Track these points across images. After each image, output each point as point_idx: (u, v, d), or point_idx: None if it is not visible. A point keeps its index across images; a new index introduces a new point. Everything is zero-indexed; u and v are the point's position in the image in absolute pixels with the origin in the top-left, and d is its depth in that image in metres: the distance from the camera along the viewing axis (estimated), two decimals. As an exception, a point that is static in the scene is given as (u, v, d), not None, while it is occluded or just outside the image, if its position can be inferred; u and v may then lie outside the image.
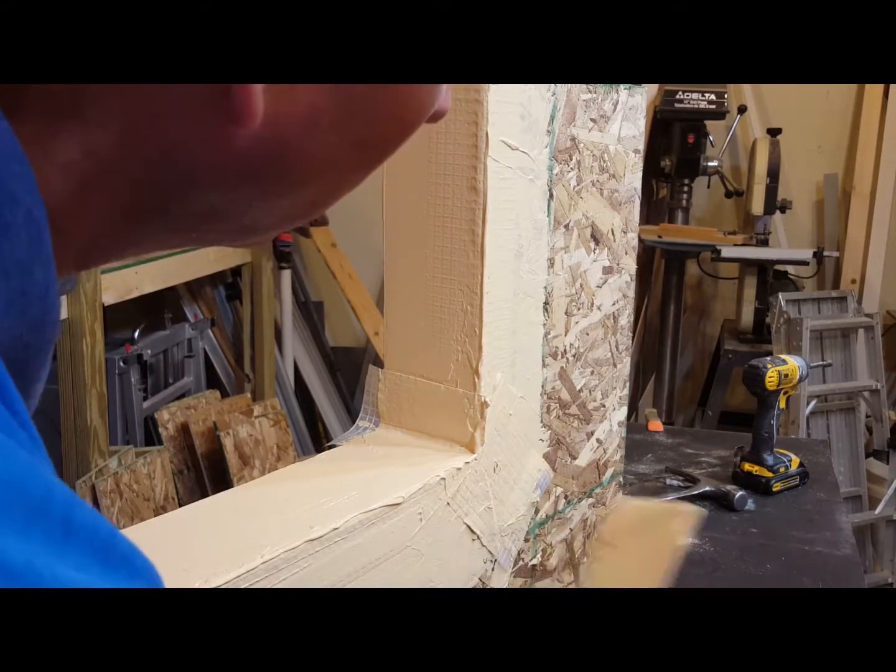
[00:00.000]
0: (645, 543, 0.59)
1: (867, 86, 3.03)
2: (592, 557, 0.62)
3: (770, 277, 2.83)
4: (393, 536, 0.69)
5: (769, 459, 1.42)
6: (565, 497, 0.94)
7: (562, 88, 0.82)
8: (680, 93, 2.81)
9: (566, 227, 0.87)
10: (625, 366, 1.04)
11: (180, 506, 1.11)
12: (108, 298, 2.18)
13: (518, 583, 0.87)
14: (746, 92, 3.14)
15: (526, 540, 0.87)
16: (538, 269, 0.83)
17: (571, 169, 0.86)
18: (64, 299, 2.03)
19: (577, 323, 0.91)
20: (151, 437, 2.57)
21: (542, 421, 0.88)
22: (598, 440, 0.99)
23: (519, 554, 0.86)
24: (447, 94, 0.36)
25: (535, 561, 0.89)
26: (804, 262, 2.84)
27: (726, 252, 2.76)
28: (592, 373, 0.96)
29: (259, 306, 3.07)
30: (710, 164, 2.94)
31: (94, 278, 2.08)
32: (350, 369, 3.47)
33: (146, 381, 2.58)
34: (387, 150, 0.34)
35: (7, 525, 0.21)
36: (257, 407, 2.64)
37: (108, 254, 0.33)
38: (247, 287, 3.13)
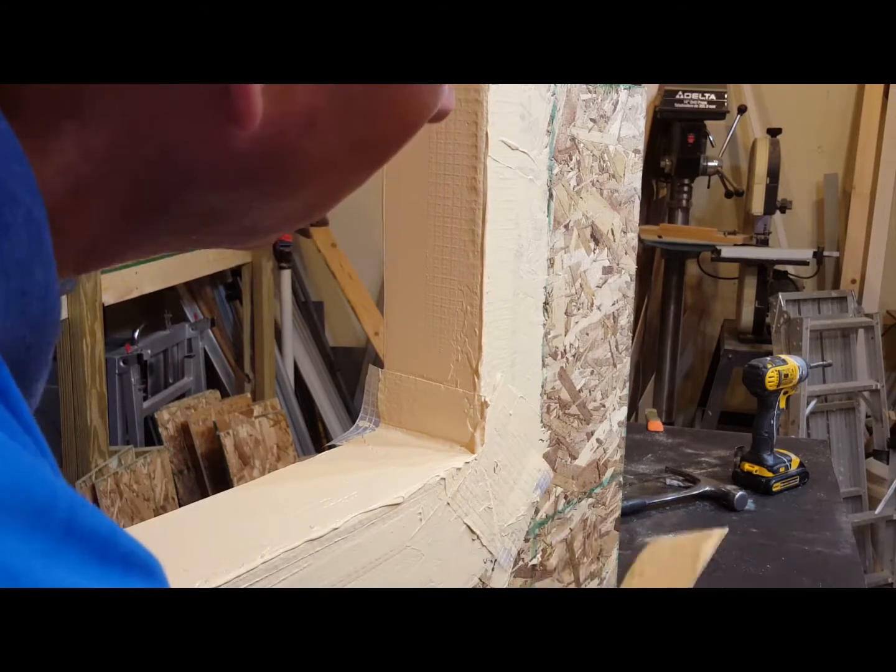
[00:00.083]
0: (675, 572, 0.59)
1: (867, 86, 3.03)
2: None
3: (770, 277, 2.83)
4: (393, 536, 0.69)
5: (769, 459, 1.42)
6: (565, 497, 0.94)
7: (562, 88, 0.82)
8: (680, 93, 2.81)
9: (566, 227, 0.86)
10: (625, 366, 1.04)
11: (180, 506, 1.11)
12: (108, 298, 2.18)
13: (518, 583, 0.87)
14: (746, 92, 3.14)
15: (526, 540, 0.87)
16: (538, 269, 0.83)
17: (571, 169, 0.86)
18: (64, 299, 2.03)
19: (576, 323, 0.91)
20: (151, 437, 2.57)
21: (542, 421, 0.88)
22: (598, 440, 0.99)
23: (519, 554, 0.86)
24: (450, 93, 0.36)
25: (535, 561, 0.89)
26: (804, 262, 2.84)
27: (726, 252, 2.76)
28: (592, 373, 0.96)
29: (259, 306, 3.07)
30: (710, 164, 2.94)
31: (94, 278, 2.08)
32: (350, 369, 3.47)
33: (146, 381, 2.59)
34: (388, 151, 0.34)
35: (8, 527, 0.21)
36: (257, 407, 2.64)
37: (108, 256, 0.33)
38: (247, 287, 3.13)
